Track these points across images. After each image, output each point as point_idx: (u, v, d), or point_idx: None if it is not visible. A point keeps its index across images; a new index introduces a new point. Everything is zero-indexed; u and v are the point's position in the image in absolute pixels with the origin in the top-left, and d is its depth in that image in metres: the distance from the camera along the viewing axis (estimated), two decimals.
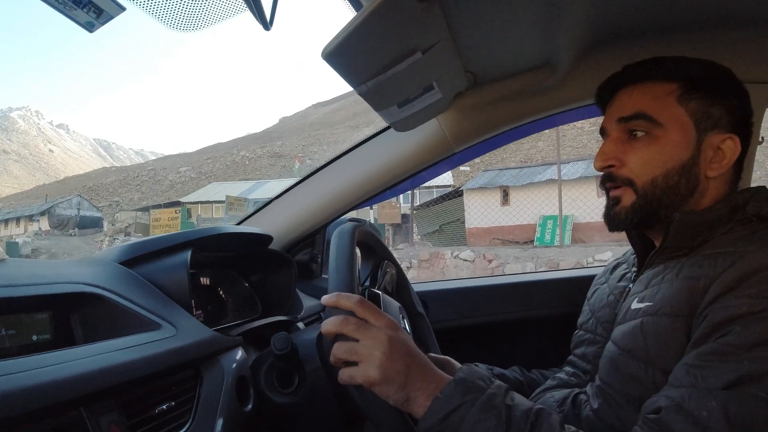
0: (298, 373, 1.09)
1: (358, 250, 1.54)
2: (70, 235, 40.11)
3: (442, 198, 20.81)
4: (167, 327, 0.94)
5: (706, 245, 0.93)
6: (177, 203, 39.08)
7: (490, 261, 12.43)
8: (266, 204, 1.61)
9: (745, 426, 0.71)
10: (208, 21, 0.93)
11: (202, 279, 1.34)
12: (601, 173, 1.04)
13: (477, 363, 1.21)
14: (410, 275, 11.12)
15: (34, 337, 0.87)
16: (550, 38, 1.19)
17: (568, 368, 1.17)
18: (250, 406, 1.03)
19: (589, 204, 16.18)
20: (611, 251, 11.50)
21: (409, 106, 1.21)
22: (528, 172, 19.43)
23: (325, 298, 0.87)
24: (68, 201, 47.55)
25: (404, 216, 19.70)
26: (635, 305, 0.96)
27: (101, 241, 32.16)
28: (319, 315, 1.55)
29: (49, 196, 63.47)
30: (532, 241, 16.67)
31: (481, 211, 18.10)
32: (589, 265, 10.95)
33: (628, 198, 1.00)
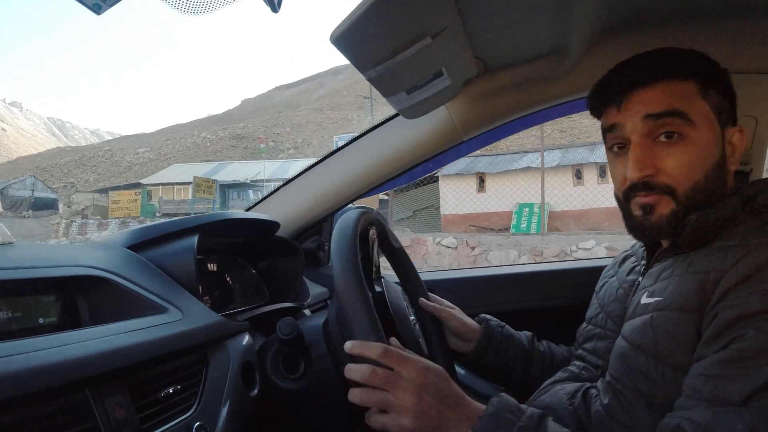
0: (304, 360, 1.09)
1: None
2: (24, 216, 39.25)
3: (417, 184, 20.57)
4: (174, 311, 0.95)
5: (715, 240, 0.91)
6: (137, 185, 38.05)
7: (473, 248, 12.34)
8: (274, 191, 1.60)
9: None
10: (216, 4, 0.92)
11: (209, 265, 1.34)
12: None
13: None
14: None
15: (41, 320, 0.87)
16: (561, 25, 1.18)
17: (578, 362, 1.16)
18: (255, 391, 1.03)
19: (565, 192, 16.21)
20: (594, 240, 11.44)
21: (417, 93, 1.20)
22: (504, 160, 19.31)
23: (348, 347, 0.87)
24: (21, 182, 46.27)
25: (382, 201, 19.41)
26: (645, 300, 0.94)
27: (57, 223, 30.72)
28: (325, 302, 1.55)
29: (1, 176, 61.62)
30: (507, 229, 16.67)
31: (456, 198, 17.99)
32: (572, 253, 10.94)
33: (665, 206, 0.94)
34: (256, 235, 1.41)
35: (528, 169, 17.58)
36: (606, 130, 1.01)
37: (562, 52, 1.30)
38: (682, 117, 0.91)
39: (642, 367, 0.89)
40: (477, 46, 1.22)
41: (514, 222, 16.98)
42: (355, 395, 0.85)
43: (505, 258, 11.75)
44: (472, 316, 1.76)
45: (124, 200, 33.74)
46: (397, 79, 1.12)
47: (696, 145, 0.91)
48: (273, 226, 1.39)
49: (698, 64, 0.95)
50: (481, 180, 18.69)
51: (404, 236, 14.25)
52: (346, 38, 0.94)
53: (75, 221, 30.50)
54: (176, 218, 1.17)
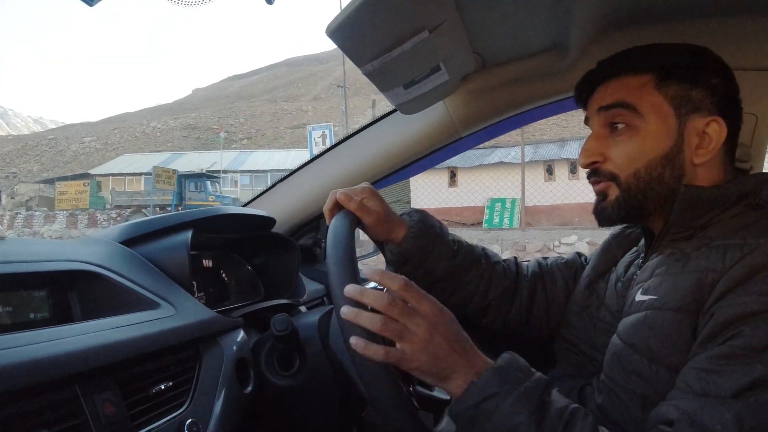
0: (299, 356, 1.08)
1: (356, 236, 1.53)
2: None
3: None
4: (166, 306, 0.94)
5: (711, 229, 0.90)
6: (86, 175, 36.01)
7: None
8: (270, 187, 1.59)
9: None
10: None
11: (204, 261, 1.33)
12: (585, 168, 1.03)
13: None
14: (375, 258, 10.98)
15: (32, 315, 0.87)
16: (560, 20, 1.16)
17: (571, 353, 1.14)
18: (249, 388, 1.03)
19: (536, 188, 16.24)
20: (576, 235, 11.42)
21: (415, 88, 1.19)
22: (475, 154, 19.23)
23: (368, 273, 0.84)
24: None
25: None
26: (639, 297, 0.93)
27: (0, 215, 29.15)
28: (321, 299, 1.54)
29: None
30: (479, 223, 16.63)
31: (427, 192, 17.69)
32: (555, 249, 10.91)
33: (612, 192, 0.98)
34: (252, 231, 1.40)
35: (501, 164, 17.64)
36: (585, 122, 1.06)
37: (561, 48, 1.29)
38: (629, 108, 0.94)
39: (636, 367, 0.88)
40: (475, 41, 1.20)
41: (486, 217, 17.05)
42: (370, 320, 0.78)
43: None
44: None
45: (71, 191, 32.42)
46: (394, 73, 1.11)
47: (640, 135, 0.94)
48: (269, 222, 1.38)
49: (655, 57, 0.97)
50: (453, 174, 18.68)
51: None
52: (343, 31, 0.93)
53: (20, 213, 29.45)
54: (171, 213, 1.15)
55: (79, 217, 27.50)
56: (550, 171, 18.69)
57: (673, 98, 0.94)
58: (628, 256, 1.13)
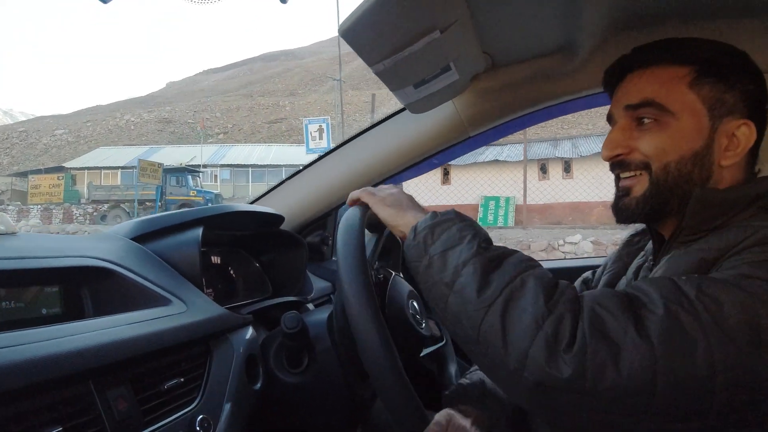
0: (308, 353, 1.09)
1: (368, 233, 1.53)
2: None
3: None
4: (178, 303, 0.94)
5: (722, 230, 0.88)
6: (60, 168, 34.31)
7: None
8: (279, 184, 1.59)
9: (715, 299, 0.70)
10: None
11: (213, 258, 1.34)
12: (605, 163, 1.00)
13: None
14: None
15: (44, 311, 0.87)
16: (571, 21, 1.17)
17: None
18: (259, 385, 1.03)
19: (530, 186, 16.02)
20: (580, 234, 11.26)
21: (425, 87, 1.19)
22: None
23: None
24: None
25: None
26: None
27: None
28: (329, 297, 1.54)
29: None
30: None
31: (420, 190, 17.10)
32: (560, 248, 10.80)
33: (640, 187, 0.95)
34: (260, 229, 1.40)
35: (495, 162, 17.48)
36: (607, 119, 1.04)
37: (571, 48, 1.29)
38: (658, 108, 0.91)
39: None
40: (485, 41, 1.21)
41: (480, 215, 16.90)
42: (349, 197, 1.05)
43: None
44: None
45: (45, 185, 30.77)
46: (404, 73, 1.11)
47: (672, 130, 0.91)
48: (278, 219, 1.39)
49: (695, 51, 0.93)
50: (446, 172, 18.47)
51: None
52: (355, 31, 0.93)
53: None
54: (180, 210, 1.16)
55: (54, 211, 26.86)
56: (544, 170, 18.56)
57: (707, 99, 0.91)
58: (637, 261, 1.12)
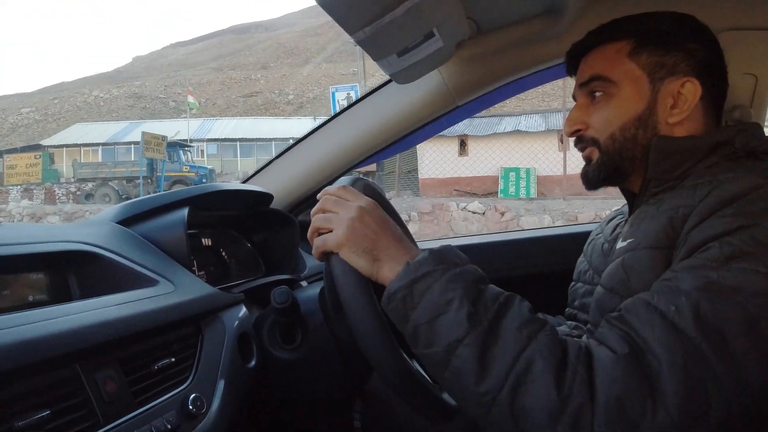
0: (301, 330, 1.08)
1: None
2: None
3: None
4: (165, 283, 0.93)
5: (687, 180, 0.92)
6: (37, 147, 31.80)
7: (502, 213, 11.86)
8: (269, 163, 1.58)
9: (715, 326, 0.67)
10: None
11: (204, 240, 1.33)
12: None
13: None
14: (412, 230, 10.78)
15: (30, 297, 0.86)
16: None
17: (570, 322, 1.15)
18: (253, 363, 1.03)
19: (550, 157, 15.84)
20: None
21: (409, 55, 1.17)
22: (487, 123, 18.50)
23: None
24: None
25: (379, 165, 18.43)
26: (619, 245, 0.96)
27: None
28: (322, 274, 1.53)
29: None
30: (493, 194, 16.18)
31: (437, 162, 16.80)
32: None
33: (594, 156, 1.04)
34: (249, 208, 1.39)
35: (516, 132, 17.11)
36: (573, 99, 1.10)
37: (558, 10, 1.27)
38: (603, 79, 1.01)
39: (616, 309, 0.87)
40: (469, 5, 1.19)
41: (501, 186, 16.55)
42: (315, 220, 0.87)
43: (539, 222, 11.38)
44: None
45: (21, 164, 28.93)
46: (387, 40, 1.09)
47: (615, 100, 1.00)
48: (267, 198, 1.37)
49: (637, 24, 1.01)
50: (463, 143, 17.93)
51: (424, 201, 13.36)
52: None
53: None
54: (165, 192, 1.14)
55: (35, 191, 25.48)
56: (563, 140, 18.51)
57: (646, 64, 0.99)
58: (615, 221, 1.17)
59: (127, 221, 1.08)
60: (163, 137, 21.31)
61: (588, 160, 1.06)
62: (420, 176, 17.76)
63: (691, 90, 0.96)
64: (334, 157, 1.51)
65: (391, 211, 1.24)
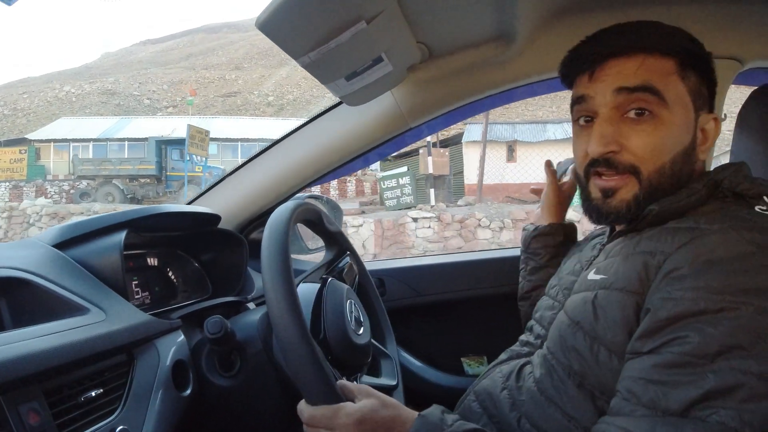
0: (240, 356, 1.06)
1: (304, 230, 1.50)
2: None
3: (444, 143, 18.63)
4: (96, 311, 0.91)
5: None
6: (22, 141, 30.06)
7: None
8: (216, 183, 1.55)
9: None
10: None
11: (149, 259, 1.30)
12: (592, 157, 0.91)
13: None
14: (507, 237, 10.54)
15: None
16: (506, 8, 1.15)
17: (525, 333, 1.13)
18: (189, 391, 1.00)
19: None
20: None
21: (357, 79, 1.17)
22: (535, 129, 18.52)
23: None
24: None
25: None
26: (591, 276, 0.92)
27: None
28: None
29: None
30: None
31: (485, 168, 15.91)
32: None
33: (629, 189, 0.89)
34: (195, 229, 1.37)
35: (566, 140, 16.61)
36: (575, 102, 0.95)
37: (508, 36, 1.28)
38: (657, 95, 0.85)
39: (578, 345, 0.86)
40: (418, 31, 1.19)
41: None
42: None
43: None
44: (425, 306, 1.75)
45: (5, 159, 27.50)
46: (333, 65, 1.08)
47: (666, 126, 0.86)
48: (213, 218, 1.35)
49: (682, 41, 0.89)
50: (511, 149, 17.74)
51: (515, 208, 11.83)
52: (273, 23, 0.90)
53: None
54: (107, 213, 1.12)
55: (24, 189, 24.18)
56: None
57: (692, 91, 0.88)
58: (595, 241, 1.11)
59: (63, 244, 1.06)
60: (207, 132, 19.75)
61: (610, 191, 0.90)
62: (466, 181, 17.60)
63: (713, 128, 0.90)
64: (286, 177, 1.50)
65: (329, 222, 1.23)
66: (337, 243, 1.33)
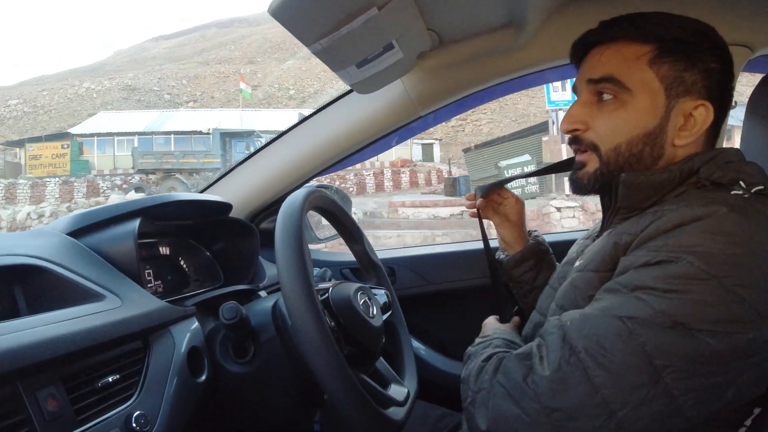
0: (254, 343, 1.07)
1: (319, 219, 1.51)
2: None
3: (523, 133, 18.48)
4: (112, 298, 0.91)
5: (652, 207, 0.90)
6: (65, 135, 29.65)
7: None
8: (228, 172, 1.56)
9: (598, 342, 0.75)
10: None
11: (161, 248, 1.31)
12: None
13: None
14: None
15: None
16: None
17: (527, 324, 1.16)
18: (204, 377, 1.01)
19: None
20: None
21: (368, 67, 1.16)
22: None
23: None
24: None
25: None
26: (576, 263, 0.98)
27: None
28: None
29: None
30: None
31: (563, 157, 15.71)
32: None
33: (592, 165, 0.97)
34: (206, 217, 1.37)
35: None
36: (573, 90, 1.04)
37: (519, 23, 1.27)
38: (617, 83, 0.92)
39: None
40: (429, 18, 1.18)
41: None
42: None
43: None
44: (436, 294, 1.75)
45: (47, 155, 27.13)
46: (345, 52, 1.08)
47: (626, 110, 0.92)
48: (225, 207, 1.36)
49: (662, 28, 0.91)
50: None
51: None
52: (286, 9, 0.90)
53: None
54: (120, 202, 1.12)
55: (75, 185, 23.36)
56: (728, 137, 18.29)
57: (665, 77, 0.91)
58: (592, 235, 1.13)
59: (77, 232, 1.06)
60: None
61: (581, 164, 0.99)
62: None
63: (703, 115, 0.91)
64: (296, 166, 1.50)
65: (343, 214, 1.23)
66: (350, 233, 1.32)
